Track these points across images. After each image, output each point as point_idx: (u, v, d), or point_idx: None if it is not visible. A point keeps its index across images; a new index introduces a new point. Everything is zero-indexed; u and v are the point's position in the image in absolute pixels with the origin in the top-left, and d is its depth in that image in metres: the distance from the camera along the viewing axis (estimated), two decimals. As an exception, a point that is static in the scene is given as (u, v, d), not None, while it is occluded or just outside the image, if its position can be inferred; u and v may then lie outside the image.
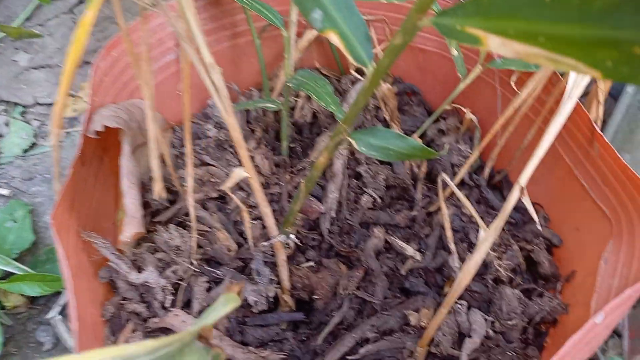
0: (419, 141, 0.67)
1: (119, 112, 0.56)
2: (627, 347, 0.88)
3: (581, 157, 0.61)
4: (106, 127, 0.53)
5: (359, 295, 0.61)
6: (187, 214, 0.63)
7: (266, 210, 0.50)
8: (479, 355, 0.57)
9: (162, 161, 0.57)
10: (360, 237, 0.65)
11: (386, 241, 0.65)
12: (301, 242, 0.64)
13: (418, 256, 0.64)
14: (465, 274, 0.54)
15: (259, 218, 0.63)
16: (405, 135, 0.43)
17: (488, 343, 0.58)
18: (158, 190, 0.49)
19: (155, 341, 0.25)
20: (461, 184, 0.71)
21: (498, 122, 0.62)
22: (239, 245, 0.63)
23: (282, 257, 0.55)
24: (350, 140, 0.41)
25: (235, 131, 0.40)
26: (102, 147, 0.59)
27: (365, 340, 0.59)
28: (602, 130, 0.67)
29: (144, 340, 0.27)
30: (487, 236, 0.54)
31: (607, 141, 0.56)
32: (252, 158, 0.68)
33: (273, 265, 0.58)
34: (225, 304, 0.32)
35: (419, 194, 0.70)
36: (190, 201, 0.50)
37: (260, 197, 0.48)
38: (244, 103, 0.71)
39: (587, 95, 0.70)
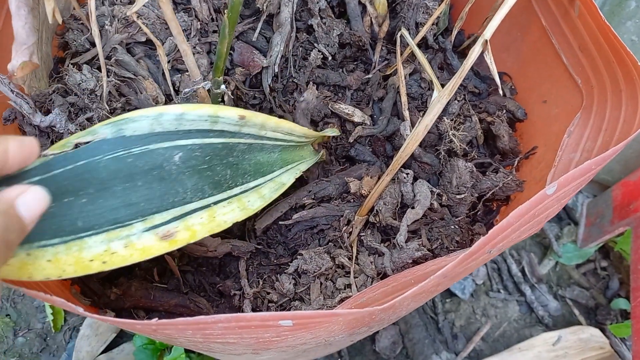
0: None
1: None
2: (582, 235, 0.86)
3: (559, 18, 0.54)
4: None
5: (298, 159, 0.55)
6: (110, 57, 0.55)
7: (184, 47, 0.42)
8: (421, 227, 0.52)
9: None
10: (306, 98, 0.58)
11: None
12: (240, 98, 0.57)
13: (367, 120, 0.58)
14: (413, 138, 0.48)
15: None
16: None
17: (432, 216, 0.53)
18: (50, 11, 0.41)
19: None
20: (425, 47, 0.63)
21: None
22: (169, 97, 0.56)
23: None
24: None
25: None
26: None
27: (301, 207, 0.54)
28: (589, -1, 0.59)
29: None
30: (440, 96, 0.47)
31: (590, -3, 0.49)
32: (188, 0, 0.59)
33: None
34: None
35: (376, 55, 0.62)
36: (94, 29, 0.42)
37: (174, 27, 0.40)
38: None
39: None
